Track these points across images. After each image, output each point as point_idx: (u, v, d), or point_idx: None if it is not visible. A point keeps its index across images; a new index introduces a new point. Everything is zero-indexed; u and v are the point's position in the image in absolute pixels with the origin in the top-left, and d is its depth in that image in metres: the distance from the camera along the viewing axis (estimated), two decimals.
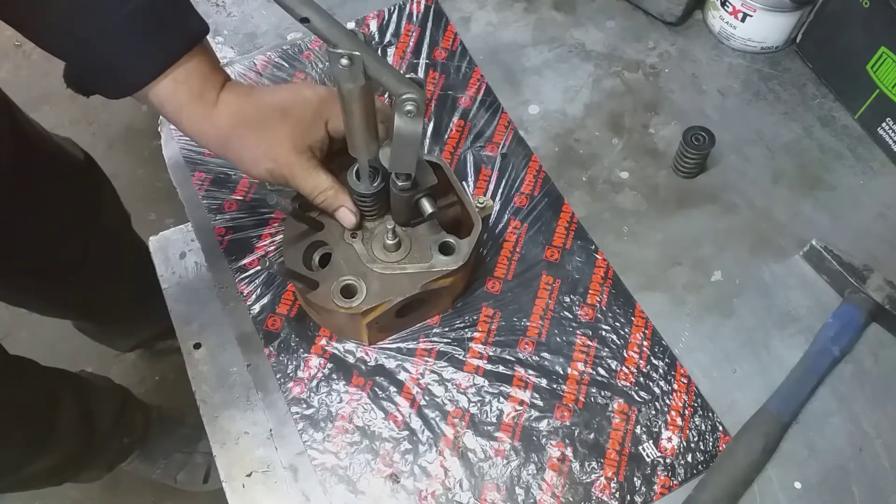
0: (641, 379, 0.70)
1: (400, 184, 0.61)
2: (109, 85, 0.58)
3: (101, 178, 1.12)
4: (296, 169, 0.62)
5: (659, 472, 0.66)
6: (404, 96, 0.51)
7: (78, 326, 1.37)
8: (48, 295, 1.15)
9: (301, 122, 0.61)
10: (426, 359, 0.70)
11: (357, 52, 0.50)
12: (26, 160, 0.90)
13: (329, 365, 0.70)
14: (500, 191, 0.79)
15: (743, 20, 0.86)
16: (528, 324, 0.72)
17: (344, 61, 0.50)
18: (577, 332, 0.72)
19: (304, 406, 0.68)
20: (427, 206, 0.63)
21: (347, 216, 0.65)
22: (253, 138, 0.61)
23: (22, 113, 0.92)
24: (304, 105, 0.61)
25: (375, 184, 0.65)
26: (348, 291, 0.65)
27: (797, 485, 0.66)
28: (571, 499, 0.64)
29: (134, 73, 0.56)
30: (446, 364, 0.70)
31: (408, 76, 0.52)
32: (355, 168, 0.64)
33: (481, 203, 0.71)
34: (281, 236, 0.76)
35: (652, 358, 0.71)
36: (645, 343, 0.71)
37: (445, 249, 0.67)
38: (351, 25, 0.89)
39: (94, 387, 1.22)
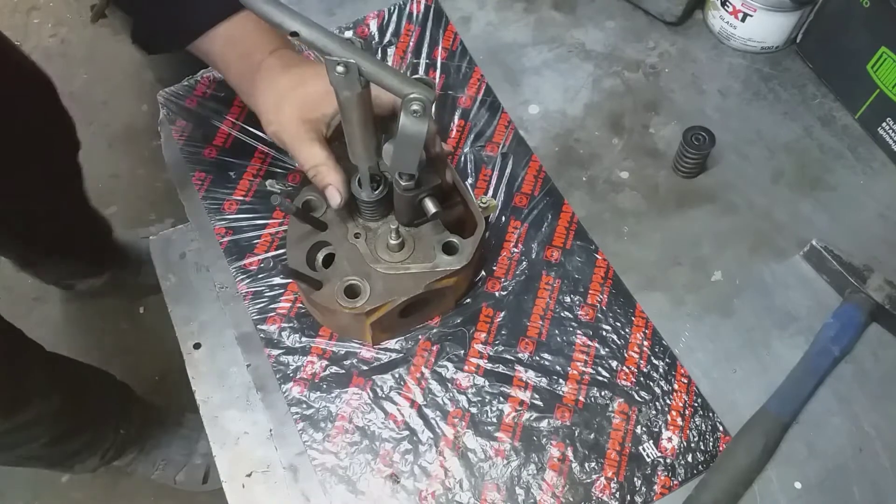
0: (642, 379, 0.70)
1: (403, 184, 0.61)
2: (177, 29, 0.67)
3: (60, 106, 1.18)
4: (294, 138, 0.65)
5: (659, 473, 0.66)
6: (411, 96, 0.51)
7: (4, 254, 1.37)
8: None
9: (312, 95, 0.64)
10: (426, 359, 0.70)
11: (352, 60, 0.50)
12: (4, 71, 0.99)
13: (329, 365, 0.70)
14: (501, 191, 0.79)
15: (743, 20, 0.86)
16: (528, 324, 0.72)
17: (340, 69, 0.50)
18: (578, 332, 0.72)
19: (304, 406, 0.68)
20: (430, 206, 0.63)
21: (333, 195, 0.66)
22: (271, 100, 0.65)
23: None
24: (318, 80, 0.64)
25: (377, 192, 0.65)
26: (352, 291, 0.65)
27: (797, 485, 0.66)
28: (571, 499, 0.65)
29: (203, 15, 0.65)
30: (446, 364, 0.70)
31: (415, 77, 0.52)
32: (357, 176, 0.64)
33: (484, 203, 0.71)
34: (281, 236, 0.76)
35: (652, 358, 0.71)
36: (645, 343, 0.71)
37: (449, 249, 0.67)
38: (349, 32, 0.89)
39: (88, 367, 1.22)
